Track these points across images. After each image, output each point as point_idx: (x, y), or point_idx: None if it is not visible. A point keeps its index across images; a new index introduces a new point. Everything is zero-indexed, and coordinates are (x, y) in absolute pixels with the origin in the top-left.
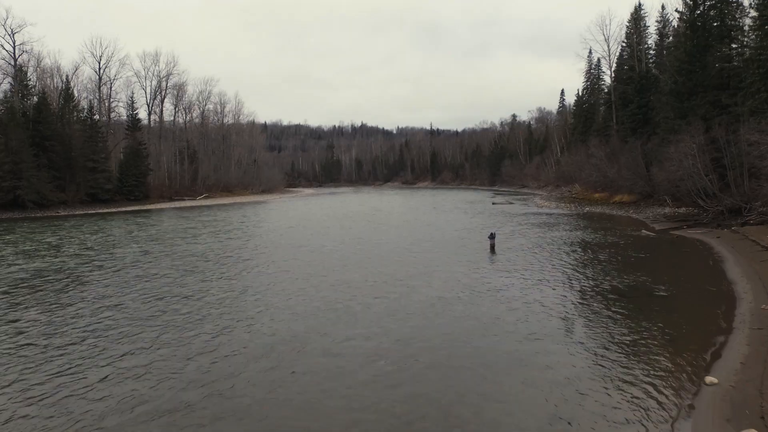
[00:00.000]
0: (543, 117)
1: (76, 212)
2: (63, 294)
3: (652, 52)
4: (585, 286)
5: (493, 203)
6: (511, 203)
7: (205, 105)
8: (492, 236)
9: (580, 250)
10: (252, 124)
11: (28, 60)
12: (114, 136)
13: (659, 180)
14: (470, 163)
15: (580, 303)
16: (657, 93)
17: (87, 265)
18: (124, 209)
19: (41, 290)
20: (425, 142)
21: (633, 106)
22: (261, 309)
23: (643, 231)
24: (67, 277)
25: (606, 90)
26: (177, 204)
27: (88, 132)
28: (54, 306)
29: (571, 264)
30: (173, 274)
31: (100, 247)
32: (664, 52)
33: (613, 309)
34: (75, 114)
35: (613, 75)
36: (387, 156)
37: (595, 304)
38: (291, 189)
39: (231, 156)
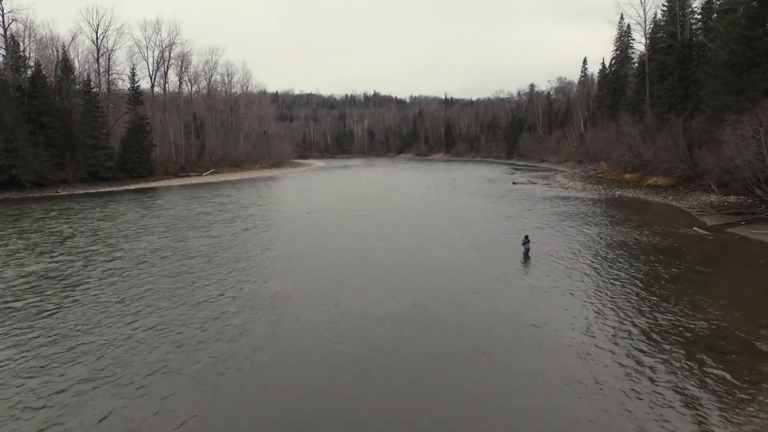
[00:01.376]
0: (563, 87)
1: (77, 191)
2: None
3: (697, 16)
4: (654, 325)
5: (513, 183)
6: (533, 183)
7: (212, 76)
8: (526, 241)
9: (627, 256)
10: (262, 95)
11: (23, 30)
12: (116, 110)
13: (707, 165)
14: (486, 135)
15: (658, 360)
16: (704, 64)
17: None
18: (126, 187)
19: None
20: (439, 113)
21: (673, 78)
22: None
23: (695, 228)
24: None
25: (638, 60)
26: (182, 181)
27: (87, 107)
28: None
29: (623, 281)
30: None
31: (104, 245)
32: (714, 16)
33: (709, 375)
34: (74, 87)
35: (647, 43)
36: (400, 126)
37: (677, 362)
38: (301, 161)
39: (240, 129)
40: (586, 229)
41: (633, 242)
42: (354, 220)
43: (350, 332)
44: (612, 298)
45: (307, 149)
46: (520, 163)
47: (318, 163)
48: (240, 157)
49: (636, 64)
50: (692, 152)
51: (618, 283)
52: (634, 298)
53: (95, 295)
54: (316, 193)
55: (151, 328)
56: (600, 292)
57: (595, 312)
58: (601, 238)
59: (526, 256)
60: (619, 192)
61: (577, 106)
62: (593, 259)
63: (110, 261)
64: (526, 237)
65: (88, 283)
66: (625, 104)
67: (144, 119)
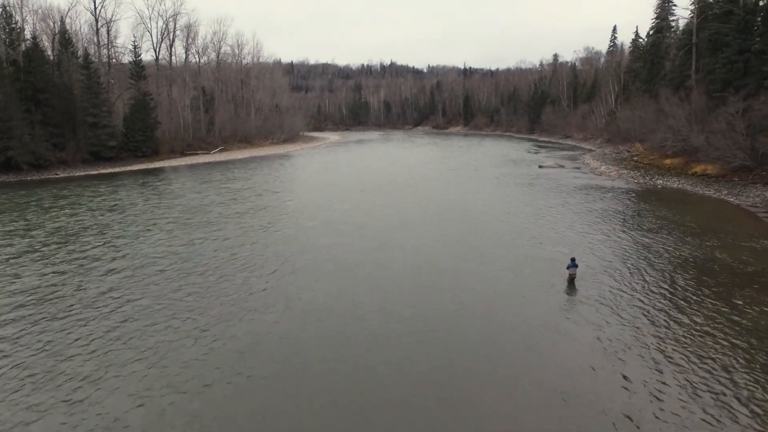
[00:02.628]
0: (590, 58)
1: (77, 173)
2: None
3: None
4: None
5: (540, 166)
6: (561, 166)
7: (221, 47)
8: (572, 264)
9: (698, 285)
10: (275, 65)
11: (17, 0)
12: (118, 86)
13: None
14: (506, 108)
15: None
16: None
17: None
18: (130, 168)
19: None
20: (458, 84)
21: (730, 50)
22: None
23: None
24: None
25: (683, 28)
26: (189, 160)
27: (87, 82)
28: None
29: (711, 333)
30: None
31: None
32: None
33: None
34: (74, 61)
35: (696, 9)
36: (417, 98)
37: None
38: (315, 135)
39: (251, 102)
40: (635, 236)
41: (700, 261)
42: (372, 219)
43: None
44: (706, 366)
45: (321, 121)
46: (543, 139)
47: (332, 136)
48: (250, 132)
49: (680, 33)
50: (754, 139)
51: (695, 329)
52: (722, 356)
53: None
54: (331, 177)
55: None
56: (688, 355)
57: (677, 378)
58: (657, 253)
59: (572, 282)
60: (660, 181)
61: (608, 79)
62: (658, 292)
63: (106, 275)
64: (573, 260)
65: (76, 312)
66: (666, 79)
67: (148, 95)
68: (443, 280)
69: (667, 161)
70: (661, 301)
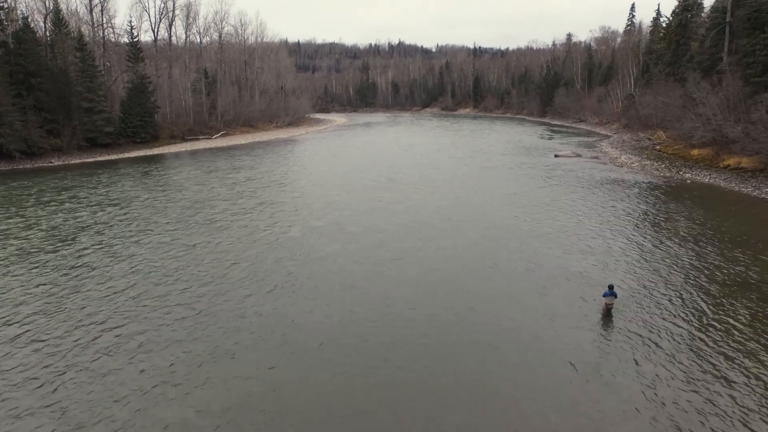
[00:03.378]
0: (606, 38)
1: (73, 161)
2: None
3: None
4: None
5: (555, 155)
6: (578, 155)
7: (223, 27)
8: (610, 293)
9: (764, 318)
10: (279, 46)
11: None
12: (115, 69)
13: None
14: (517, 90)
15: None
16: None
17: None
18: (128, 155)
19: None
20: (467, 64)
21: None
22: None
23: None
24: None
25: (713, 6)
26: (191, 146)
27: (81, 65)
28: None
29: None
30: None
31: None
32: None
33: None
34: (68, 43)
35: None
36: (425, 79)
37: None
38: (321, 117)
39: (255, 84)
40: (673, 247)
41: (759, 283)
42: (383, 219)
43: None
44: None
45: (328, 102)
46: (556, 122)
47: (339, 119)
48: (254, 116)
49: (710, 11)
50: None
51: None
52: None
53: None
54: (339, 167)
55: None
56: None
57: None
58: (704, 271)
59: (608, 313)
60: (689, 175)
61: (627, 61)
62: (721, 328)
63: (94, 289)
64: (610, 288)
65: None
66: (694, 62)
67: (146, 78)
68: (461, 303)
69: (695, 152)
70: (728, 343)
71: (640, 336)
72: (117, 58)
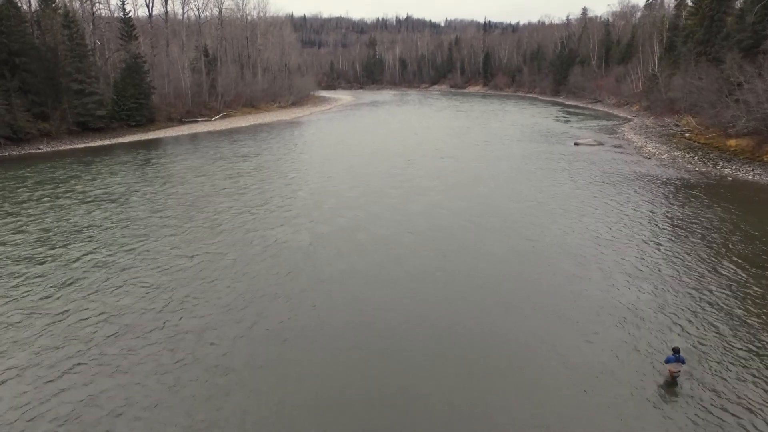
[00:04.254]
0: (626, 13)
1: (63, 147)
2: None
3: None
4: None
5: (575, 143)
6: (600, 144)
7: (223, 2)
8: (675, 358)
9: None
10: (284, 21)
11: None
12: (107, 48)
13: None
14: (529, 67)
15: None
16: None
17: None
18: (122, 140)
19: None
20: (477, 40)
21: None
22: None
23: None
24: None
25: None
26: (189, 129)
27: (69, 44)
28: None
29: None
30: None
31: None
32: None
33: None
34: (56, 20)
35: None
36: (434, 55)
37: None
38: (327, 95)
39: (257, 62)
40: (738, 274)
41: None
42: (396, 228)
43: None
44: None
45: (335, 79)
46: (570, 102)
47: (345, 97)
48: (256, 95)
49: None
50: None
51: None
52: None
53: None
54: (346, 157)
55: None
56: None
57: None
58: None
59: (673, 382)
60: (728, 170)
61: (649, 39)
62: None
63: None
64: (676, 352)
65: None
66: (732, 40)
67: (140, 58)
68: (487, 352)
69: (731, 142)
70: None
71: (721, 421)
72: (109, 35)
